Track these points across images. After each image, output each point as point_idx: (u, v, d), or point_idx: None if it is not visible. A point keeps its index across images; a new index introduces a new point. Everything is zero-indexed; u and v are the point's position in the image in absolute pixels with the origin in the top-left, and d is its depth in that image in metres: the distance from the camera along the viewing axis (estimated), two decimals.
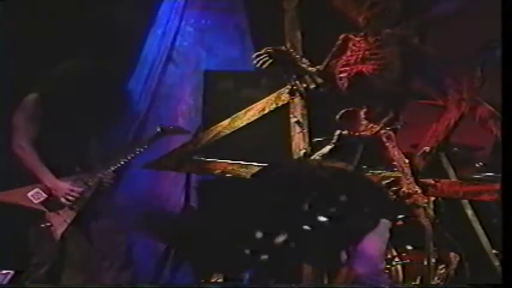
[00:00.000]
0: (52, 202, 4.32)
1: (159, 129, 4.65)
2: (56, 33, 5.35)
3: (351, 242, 3.43)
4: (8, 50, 5.28)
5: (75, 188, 4.33)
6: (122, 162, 4.49)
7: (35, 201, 4.28)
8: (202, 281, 5.07)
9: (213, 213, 3.43)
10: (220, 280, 4.92)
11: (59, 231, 4.29)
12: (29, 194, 4.29)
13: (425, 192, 4.51)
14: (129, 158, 4.51)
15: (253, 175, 3.70)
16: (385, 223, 3.48)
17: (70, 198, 4.32)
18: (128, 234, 4.87)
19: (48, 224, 4.29)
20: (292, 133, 5.18)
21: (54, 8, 5.44)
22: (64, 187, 4.31)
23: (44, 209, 4.30)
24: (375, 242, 3.41)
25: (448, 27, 4.71)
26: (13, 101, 4.49)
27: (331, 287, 4.36)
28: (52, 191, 4.30)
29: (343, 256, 3.69)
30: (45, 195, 4.30)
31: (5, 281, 4.34)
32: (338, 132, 4.67)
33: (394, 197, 4.52)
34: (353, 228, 3.22)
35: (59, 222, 4.30)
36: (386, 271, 4.63)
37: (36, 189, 4.30)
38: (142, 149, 4.57)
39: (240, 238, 3.22)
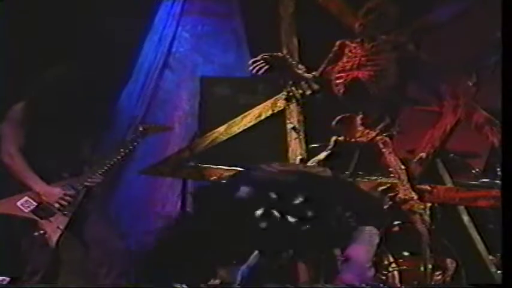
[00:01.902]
0: (42, 209, 4.29)
1: (141, 129, 4.60)
2: (50, 39, 5.34)
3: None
4: None
5: (68, 192, 4.31)
6: (109, 165, 4.45)
7: (25, 210, 4.25)
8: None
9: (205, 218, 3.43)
10: (217, 283, 4.91)
11: (54, 238, 4.27)
12: (19, 203, 4.26)
13: (421, 198, 4.52)
14: (115, 159, 4.47)
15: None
16: (371, 230, 3.47)
17: (63, 203, 4.30)
18: (124, 240, 4.85)
19: (42, 232, 4.26)
20: (288, 139, 5.18)
21: (47, 14, 5.43)
22: (56, 192, 4.29)
23: (36, 218, 4.27)
24: (360, 250, 3.40)
25: (443, 33, 4.71)
26: (2, 108, 4.47)
27: (328, 287, 4.36)
28: (42, 198, 4.28)
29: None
30: (34, 204, 4.27)
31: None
32: (334, 138, 4.68)
33: (390, 204, 4.53)
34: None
35: (53, 229, 4.28)
36: (383, 277, 4.62)
37: (26, 198, 4.27)
38: (127, 150, 4.53)
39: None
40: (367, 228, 3.41)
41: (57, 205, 4.28)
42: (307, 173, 3.41)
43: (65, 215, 4.31)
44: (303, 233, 3.20)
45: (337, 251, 4.03)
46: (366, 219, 3.38)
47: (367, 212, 3.40)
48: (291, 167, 3.33)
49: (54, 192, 4.29)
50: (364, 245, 3.40)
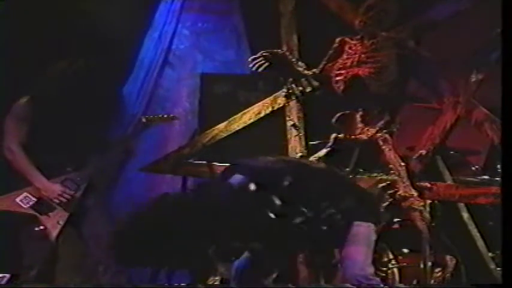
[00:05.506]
0: (42, 205, 4.30)
1: (144, 120, 4.61)
2: (51, 36, 5.34)
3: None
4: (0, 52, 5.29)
5: (67, 190, 4.31)
6: (110, 158, 4.46)
7: (25, 206, 4.26)
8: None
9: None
10: (216, 282, 4.91)
11: (54, 233, 4.27)
12: (18, 199, 4.27)
13: (421, 195, 4.52)
14: (115, 151, 4.48)
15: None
16: (369, 226, 3.46)
17: (62, 199, 4.30)
18: None
19: (42, 227, 4.27)
20: (288, 136, 5.18)
21: (49, 10, 5.43)
22: (56, 189, 4.29)
23: (35, 213, 4.28)
24: (359, 247, 3.38)
25: (443, 30, 4.71)
26: (5, 104, 4.48)
27: (327, 287, 4.36)
28: (42, 194, 4.28)
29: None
30: (34, 199, 4.28)
31: (2, 282, 4.34)
32: (334, 135, 4.67)
33: (390, 201, 4.53)
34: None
35: (53, 225, 4.28)
36: (383, 274, 4.62)
37: (25, 194, 4.28)
38: (130, 145, 4.54)
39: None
40: (364, 224, 3.40)
41: (57, 201, 4.29)
42: (296, 162, 3.40)
43: (65, 210, 4.32)
44: (288, 227, 3.19)
45: (336, 250, 4.03)
46: (360, 214, 3.37)
47: (361, 207, 3.39)
48: (283, 157, 3.32)
49: (54, 189, 4.29)
50: (363, 242, 3.38)
